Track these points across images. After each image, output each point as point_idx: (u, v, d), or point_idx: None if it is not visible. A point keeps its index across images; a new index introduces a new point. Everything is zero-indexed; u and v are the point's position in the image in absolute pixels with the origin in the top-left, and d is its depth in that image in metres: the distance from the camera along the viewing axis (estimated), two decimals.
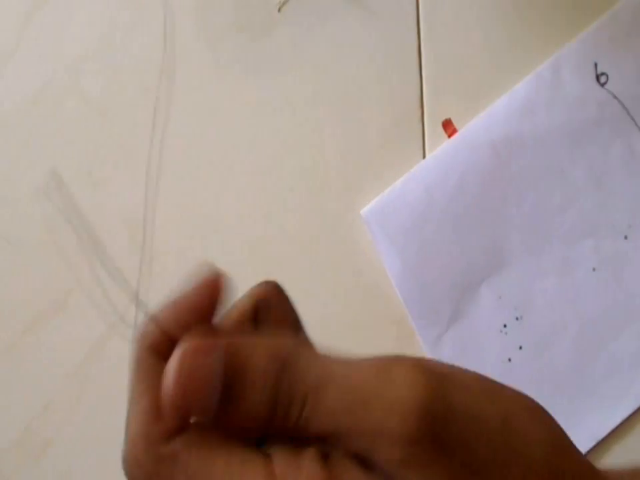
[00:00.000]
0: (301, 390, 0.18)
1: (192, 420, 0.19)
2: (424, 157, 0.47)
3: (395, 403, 0.17)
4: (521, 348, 0.47)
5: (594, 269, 0.47)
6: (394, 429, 0.17)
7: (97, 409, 0.49)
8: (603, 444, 0.47)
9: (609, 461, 0.46)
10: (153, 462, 0.18)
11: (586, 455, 0.47)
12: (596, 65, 0.46)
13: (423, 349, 0.47)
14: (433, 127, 0.47)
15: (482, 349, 0.47)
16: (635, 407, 0.47)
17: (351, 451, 0.18)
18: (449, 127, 0.47)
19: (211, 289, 0.22)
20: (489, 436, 0.18)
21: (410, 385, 0.18)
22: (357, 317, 0.47)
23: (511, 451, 0.18)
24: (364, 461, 0.18)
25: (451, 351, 0.46)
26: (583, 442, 0.47)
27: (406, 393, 0.17)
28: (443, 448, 0.17)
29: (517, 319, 0.47)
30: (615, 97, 0.46)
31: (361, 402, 0.18)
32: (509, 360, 0.47)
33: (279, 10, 0.47)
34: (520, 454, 0.18)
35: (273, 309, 0.23)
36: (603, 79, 0.46)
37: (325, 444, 0.18)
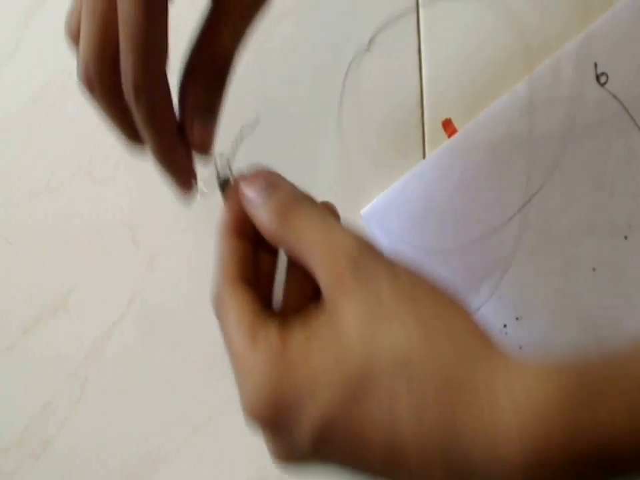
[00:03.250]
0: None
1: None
2: (424, 157, 0.47)
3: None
4: (520, 348, 0.47)
5: (594, 269, 0.47)
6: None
7: (97, 409, 0.49)
8: None
9: None
10: (216, 295, 0.28)
11: None
12: (596, 65, 0.46)
13: None
14: (433, 127, 0.47)
15: None
16: None
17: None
18: (449, 127, 0.47)
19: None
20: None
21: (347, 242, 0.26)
22: None
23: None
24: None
25: None
26: None
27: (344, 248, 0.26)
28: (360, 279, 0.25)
29: (516, 319, 0.47)
30: (615, 97, 0.46)
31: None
32: None
33: None
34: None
35: None
36: (602, 79, 0.46)
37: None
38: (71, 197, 0.49)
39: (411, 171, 0.47)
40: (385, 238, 0.46)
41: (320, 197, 0.48)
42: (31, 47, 0.50)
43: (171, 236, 0.47)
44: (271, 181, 0.29)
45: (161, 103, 0.27)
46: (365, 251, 0.26)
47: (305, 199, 0.29)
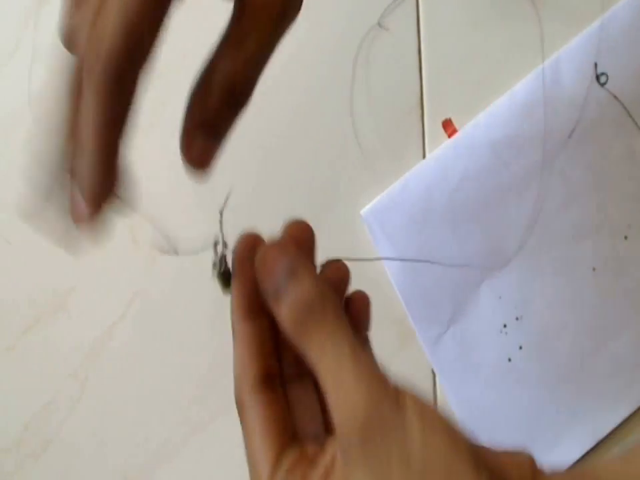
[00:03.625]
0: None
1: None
2: (424, 157, 0.47)
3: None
4: (520, 348, 0.47)
5: (594, 269, 0.47)
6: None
7: (97, 408, 0.49)
8: (603, 444, 0.47)
9: None
10: (238, 402, 0.26)
11: (586, 454, 0.47)
12: (596, 65, 0.46)
13: (423, 348, 0.47)
14: (433, 127, 0.47)
15: (482, 349, 0.47)
16: (634, 407, 0.47)
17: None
18: (449, 127, 0.47)
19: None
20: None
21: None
22: None
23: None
24: None
25: (451, 351, 0.46)
26: (582, 442, 0.47)
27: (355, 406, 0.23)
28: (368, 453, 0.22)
29: (517, 318, 0.47)
30: (615, 97, 0.46)
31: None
32: (509, 360, 0.47)
33: None
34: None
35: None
36: (603, 79, 0.46)
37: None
38: None
39: (411, 171, 0.47)
40: (384, 238, 0.46)
41: (320, 197, 0.48)
42: (31, 47, 0.50)
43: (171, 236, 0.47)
44: (292, 267, 0.25)
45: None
46: (373, 417, 0.22)
47: (327, 302, 0.25)
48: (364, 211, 0.47)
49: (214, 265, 0.28)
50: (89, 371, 0.49)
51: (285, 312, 0.25)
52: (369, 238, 0.47)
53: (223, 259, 0.28)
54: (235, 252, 0.27)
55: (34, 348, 0.49)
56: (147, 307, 0.48)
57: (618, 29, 0.46)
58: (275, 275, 0.25)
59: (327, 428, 0.27)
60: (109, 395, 0.49)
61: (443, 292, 0.46)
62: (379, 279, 0.46)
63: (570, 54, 0.46)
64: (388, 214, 0.46)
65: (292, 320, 0.25)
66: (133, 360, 0.49)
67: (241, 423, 0.26)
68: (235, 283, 0.27)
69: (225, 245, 0.28)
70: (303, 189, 0.48)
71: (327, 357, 0.23)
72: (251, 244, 0.27)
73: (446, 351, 0.46)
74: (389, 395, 0.22)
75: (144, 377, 0.49)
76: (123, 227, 0.48)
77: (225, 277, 0.28)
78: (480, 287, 0.47)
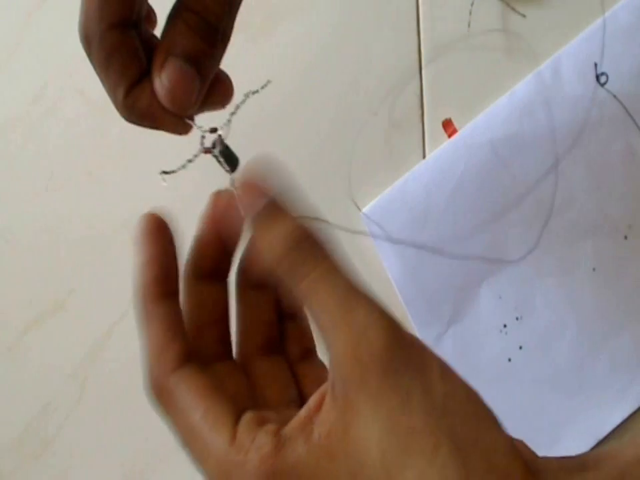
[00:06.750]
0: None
1: None
2: (424, 157, 0.47)
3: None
4: (521, 348, 0.47)
5: (594, 269, 0.47)
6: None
7: (97, 408, 0.49)
8: (603, 444, 0.47)
9: None
10: (157, 392, 0.24)
11: None
12: (596, 65, 0.46)
13: None
14: (433, 127, 0.47)
15: (482, 349, 0.47)
16: (634, 407, 0.47)
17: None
18: (449, 127, 0.47)
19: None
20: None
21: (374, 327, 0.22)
22: None
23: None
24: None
25: (451, 351, 0.46)
26: (583, 441, 0.47)
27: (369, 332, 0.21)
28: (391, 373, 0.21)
29: (517, 318, 0.47)
30: (615, 97, 0.46)
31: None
32: (509, 360, 0.47)
33: None
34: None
35: None
36: (602, 79, 0.46)
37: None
38: (71, 197, 0.49)
39: (411, 171, 0.47)
40: (384, 238, 0.46)
41: (321, 198, 0.48)
42: (31, 46, 0.50)
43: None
44: (275, 203, 0.24)
45: (114, 56, 0.24)
46: (396, 348, 0.21)
47: (317, 236, 0.24)
48: (364, 210, 0.47)
49: (213, 145, 0.26)
50: (89, 371, 0.49)
51: (281, 236, 0.23)
52: (369, 238, 0.47)
53: (218, 139, 0.26)
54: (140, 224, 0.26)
55: (34, 348, 0.49)
56: None
57: (618, 29, 0.46)
58: (258, 206, 0.24)
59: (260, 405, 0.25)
60: (109, 395, 0.49)
61: (443, 292, 0.46)
62: (379, 279, 0.46)
63: (570, 54, 0.46)
64: (388, 214, 0.46)
65: (290, 243, 0.23)
66: (133, 360, 0.49)
67: (167, 410, 0.23)
68: (143, 261, 0.26)
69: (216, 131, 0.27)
70: (303, 189, 0.48)
71: (335, 301, 0.22)
72: (155, 220, 0.26)
73: (446, 351, 0.46)
74: (407, 333, 0.22)
75: (144, 377, 0.49)
76: (123, 227, 0.48)
77: (227, 153, 0.27)
78: (480, 287, 0.47)
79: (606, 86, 0.46)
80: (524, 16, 0.47)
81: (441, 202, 0.46)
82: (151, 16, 0.28)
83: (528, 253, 0.46)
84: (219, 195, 0.26)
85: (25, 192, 0.50)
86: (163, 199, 0.46)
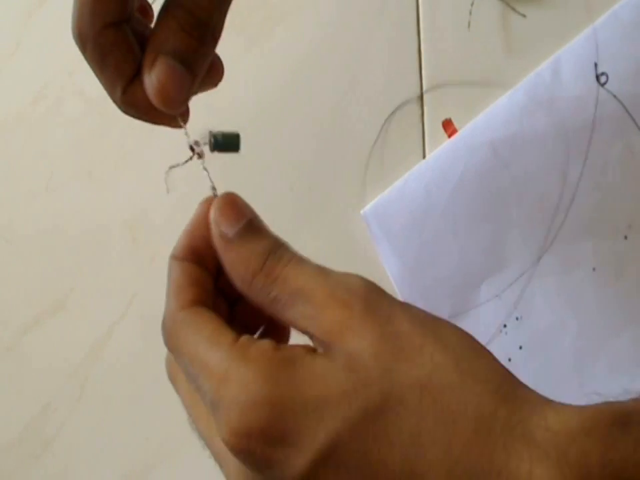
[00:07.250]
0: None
1: None
2: (424, 157, 0.47)
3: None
4: (520, 348, 0.47)
5: (594, 269, 0.47)
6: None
7: (97, 409, 0.49)
8: None
9: None
10: (172, 322, 0.25)
11: None
12: (596, 64, 0.46)
13: None
14: (433, 127, 0.47)
15: None
16: None
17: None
18: (449, 127, 0.47)
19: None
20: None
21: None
22: None
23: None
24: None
25: None
26: None
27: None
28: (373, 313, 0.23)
29: (517, 318, 0.47)
30: (615, 97, 0.46)
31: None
32: (509, 360, 0.47)
33: None
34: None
35: None
36: (603, 79, 0.46)
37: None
38: (71, 197, 0.49)
39: (411, 171, 0.47)
40: (384, 238, 0.46)
41: (321, 198, 0.48)
42: (31, 47, 0.50)
43: (171, 236, 0.47)
44: (254, 220, 0.25)
45: (109, 55, 0.24)
46: (374, 288, 0.24)
47: (284, 249, 0.25)
48: (364, 210, 0.47)
49: (209, 141, 0.27)
50: (89, 371, 0.49)
51: (253, 253, 0.24)
52: (369, 238, 0.47)
53: (210, 134, 0.27)
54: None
55: (34, 348, 0.49)
56: (146, 306, 0.48)
57: (618, 29, 0.46)
58: (235, 218, 0.25)
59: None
60: (109, 395, 0.49)
61: (443, 292, 0.46)
62: (379, 279, 0.46)
63: (570, 54, 0.46)
64: (388, 214, 0.46)
65: (260, 258, 0.24)
66: (133, 360, 0.49)
67: (179, 345, 0.25)
68: (188, 228, 0.27)
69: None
70: (303, 189, 0.48)
71: (309, 277, 0.24)
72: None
73: None
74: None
75: (144, 376, 0.49)
76: (123, 227, 0.48)
77: (223, 141, 0.27)
78: (480, 287, 0.47)
79: (606, 86, 0.46)
80: (524, 16, 0.47)
81: (440, 202, 0.46)
82: (147, 9, 0.28)
83: (529, 254, 0.46)
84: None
85: (24, 192, 0.50)
86: (163, 198, 0.46)
